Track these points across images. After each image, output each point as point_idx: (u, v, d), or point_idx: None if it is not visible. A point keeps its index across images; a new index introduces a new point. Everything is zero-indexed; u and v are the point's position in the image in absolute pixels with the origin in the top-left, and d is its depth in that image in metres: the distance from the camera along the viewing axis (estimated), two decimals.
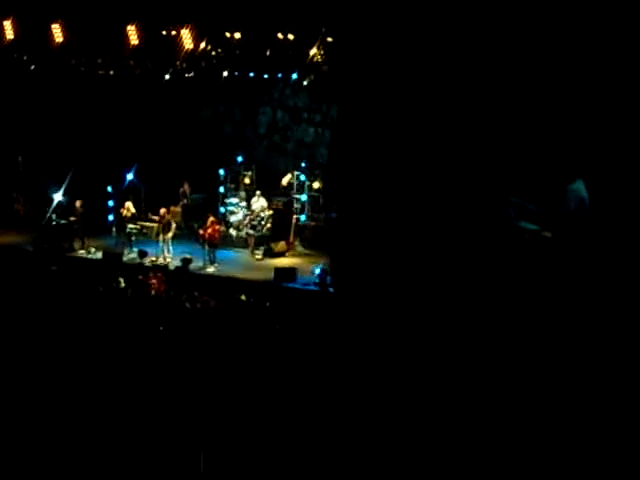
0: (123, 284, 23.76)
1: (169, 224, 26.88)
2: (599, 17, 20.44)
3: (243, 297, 23.16)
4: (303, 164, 28.25)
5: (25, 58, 29.48)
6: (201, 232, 26.50)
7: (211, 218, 26.71)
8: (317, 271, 24.22)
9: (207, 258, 26.26)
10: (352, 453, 15.79)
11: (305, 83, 26.78)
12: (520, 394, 17.29)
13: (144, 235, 28.00)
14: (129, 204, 28.13)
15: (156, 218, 27.22)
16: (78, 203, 28.19)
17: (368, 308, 21.88)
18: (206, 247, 26.33)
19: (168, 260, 26.39)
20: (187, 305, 22.74)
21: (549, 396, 17.22)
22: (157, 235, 27.33)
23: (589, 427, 16.05)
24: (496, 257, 21.35)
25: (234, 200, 28.87)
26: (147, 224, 28.19)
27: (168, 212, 27.29)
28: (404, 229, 22.75)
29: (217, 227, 26.61)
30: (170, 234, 26.81)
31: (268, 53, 26.39)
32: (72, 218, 28.10)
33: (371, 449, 15.84)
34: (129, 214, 27.99)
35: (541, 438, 15.90)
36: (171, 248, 26.74)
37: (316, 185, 27.91)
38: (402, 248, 22.71)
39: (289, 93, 29.12)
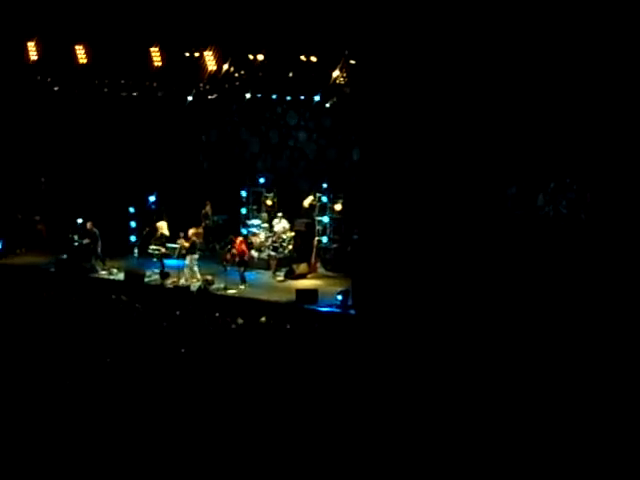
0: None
1: (194, 245, 26.88)
2: (595, 18, 20.65)
3: (263, 319, 23.13)
4: (325, 186, 28.21)
5: (49, 79, 29.51)
6: (233, 251, 26.48)
7: (240, 238, 26.88)
8: (339, 297, 24.13)
9: (239, 276, 26.23)
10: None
11: (327, 105, 26.71)
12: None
13: (166, 256, 27.93)
14: (163, 224, 28.15)
15: (185, 243, 27.11)
16: (89, 224, 28.21)
17: (389, 329, 21.90)
18: (237, 265, 26.35)
19: (194, 281, 26.34)
20: (208, 327, 22.75)
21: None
22: (180, 256, 27.35)
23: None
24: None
25: (256, 222, 28.90)
26: (171, 245, 28.14)
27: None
28: (426, 251, 22.76)
29: (244, 246, 26.69)
30: (196, 255, 26.78)
31: (291, 75, 26.34)
32: (86, 240, 28.13)
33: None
34: (159, 234, 27.99)
35: (541, 438, 15.90)
36: (196, 269, 26.68)
37: (338, 207, 27.87)
38: (423, 270, 22.71)
39: (312, 115, 29.13)
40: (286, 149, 30.13)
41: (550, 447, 16.13)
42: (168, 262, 27.60)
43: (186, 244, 26.81)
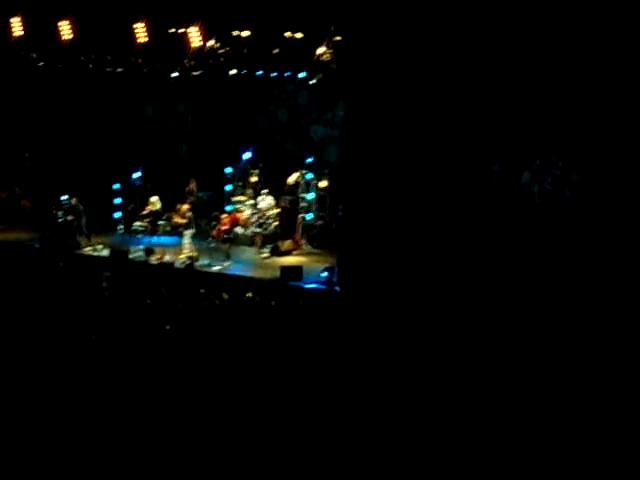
0: None
1: (190, 220, 26.91)
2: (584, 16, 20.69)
3: (249, 295, 23.15)
4: (309, 160, 28.19)
5: (33, 55, 29.44)
6: (223, 227, 26.58)
7: (234, 215, 27.32)
8: (324, 273, 24.17)
9: (224, 253, 26.29)
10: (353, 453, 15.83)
11: (313, 82, 26.68)
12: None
13: (153, 233, 27.91)
14: (156, 199, 28.15)
15: (181, 219, 27.18)
16: (74, 200, 28.15)
17: (374, 306, 21.94)
18: (222, 242, 26.47)
19: (180, 257, 26.33)
20: (193, 303, 22.75)
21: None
22: (164, 232, 27.43)
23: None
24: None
25: (241, 198, 28.87)
26: (160, 222, 28.19)
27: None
28: (410, 227, 22.79)
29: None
30: (193, 230, 26.85)
31: (276, 51, 26.31)
32: (71, 216, 28.07)
33: (371, 449, 15.87)
34: (154, 209, 28.00)
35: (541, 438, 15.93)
36: (191, 244, 26.75)
37: (323, 184, 27.87)
38: (408, 246, 22.75)
39: (296, 91, 29.05)
40: (271, 126, 30.08)
41: (546, 426, 16.22)
42: (153, 239, 27.63)
43: (182, 220, 26.91)
